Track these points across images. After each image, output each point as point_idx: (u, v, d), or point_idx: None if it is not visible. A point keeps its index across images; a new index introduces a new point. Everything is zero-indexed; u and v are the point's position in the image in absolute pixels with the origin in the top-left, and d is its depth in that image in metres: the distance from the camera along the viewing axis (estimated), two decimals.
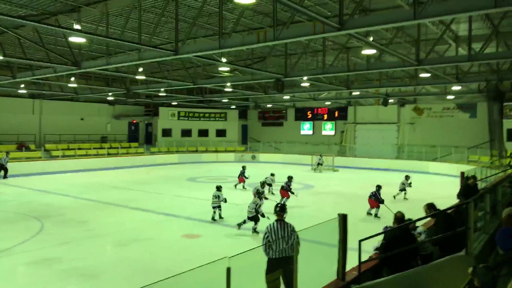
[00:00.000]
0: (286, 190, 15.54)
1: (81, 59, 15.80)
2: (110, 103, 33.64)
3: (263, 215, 11.43)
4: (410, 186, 17.45)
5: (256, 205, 11.51)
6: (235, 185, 20.05)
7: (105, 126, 34.06)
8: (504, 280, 3.36)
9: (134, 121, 36.72)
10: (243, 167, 20.46)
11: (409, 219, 6.07)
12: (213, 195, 13.17)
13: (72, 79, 22.74)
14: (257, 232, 11.15)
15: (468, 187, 10.88)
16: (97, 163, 28.43)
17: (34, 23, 10.51)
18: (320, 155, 29.23)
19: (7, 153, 23.74)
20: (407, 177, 17.52)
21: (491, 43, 14.71)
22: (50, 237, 10.96)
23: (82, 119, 32.23)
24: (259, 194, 12.31)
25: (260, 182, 14.89)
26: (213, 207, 13.07)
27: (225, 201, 13.15)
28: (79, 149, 29.63)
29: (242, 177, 19.97)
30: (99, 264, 8.88)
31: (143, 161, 31.29)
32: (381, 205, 13.62)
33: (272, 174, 18.79)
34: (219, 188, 13.33)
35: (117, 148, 31.82)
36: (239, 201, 15.11)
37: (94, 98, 30.52)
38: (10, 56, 16.64)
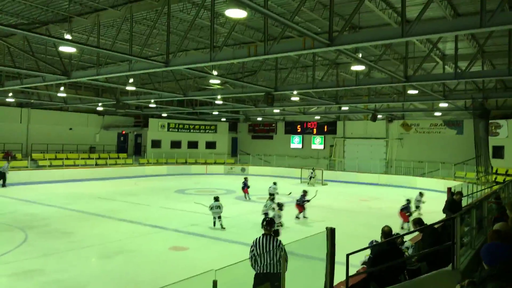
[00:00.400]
0: (301, 204, 15.61)
1: (71, 69, 15.74)
2: (99, 113, 33.40)
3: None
4: (423, 202, 16.91)
5: (280, 218, 11.62)
6: (245, 196, 20.38)
7: (94, 136, 33.77)
8: None
9: (124, 132, 36.47)
10: (245, 179, 20.89)
11: (397, 233, 6.10)
12: (214, 205, 13.40)
13: (62, 88, 22.58)
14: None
15: (454, 202, 11.00)
16: (85, 174, 28.13)
17: (25, 32, 10.45)
18: (313, 169, 29.53)
19: (8, 161, 23.48)
20: (421, 194, 17.07)
21: (476, 62, 15.06)
22: (33, 248, 10.74)
23: (70, 129, 31.90)
24: (280, 206, 12.45)
25: (269, 198, 14.98)
26: (214, 218, 13.42)
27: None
28: (67, 159, 29.26)
29: (246, 188, 20.32)
30: (83, 276, 8.71)
31: (132, 172, 31.03)
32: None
33: (275, 183, 18.86)
34: (217, 199, 13.60)
35: (106, 158, 31.54)
36: (228, 214, 15.02)
37: (83, 108, 30.30)
38: None
